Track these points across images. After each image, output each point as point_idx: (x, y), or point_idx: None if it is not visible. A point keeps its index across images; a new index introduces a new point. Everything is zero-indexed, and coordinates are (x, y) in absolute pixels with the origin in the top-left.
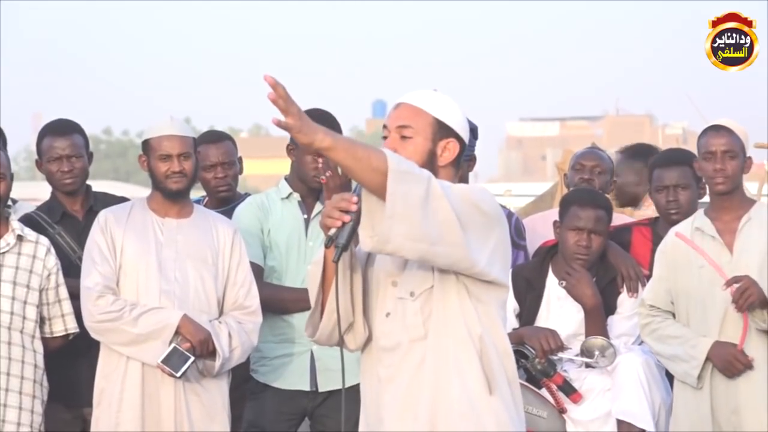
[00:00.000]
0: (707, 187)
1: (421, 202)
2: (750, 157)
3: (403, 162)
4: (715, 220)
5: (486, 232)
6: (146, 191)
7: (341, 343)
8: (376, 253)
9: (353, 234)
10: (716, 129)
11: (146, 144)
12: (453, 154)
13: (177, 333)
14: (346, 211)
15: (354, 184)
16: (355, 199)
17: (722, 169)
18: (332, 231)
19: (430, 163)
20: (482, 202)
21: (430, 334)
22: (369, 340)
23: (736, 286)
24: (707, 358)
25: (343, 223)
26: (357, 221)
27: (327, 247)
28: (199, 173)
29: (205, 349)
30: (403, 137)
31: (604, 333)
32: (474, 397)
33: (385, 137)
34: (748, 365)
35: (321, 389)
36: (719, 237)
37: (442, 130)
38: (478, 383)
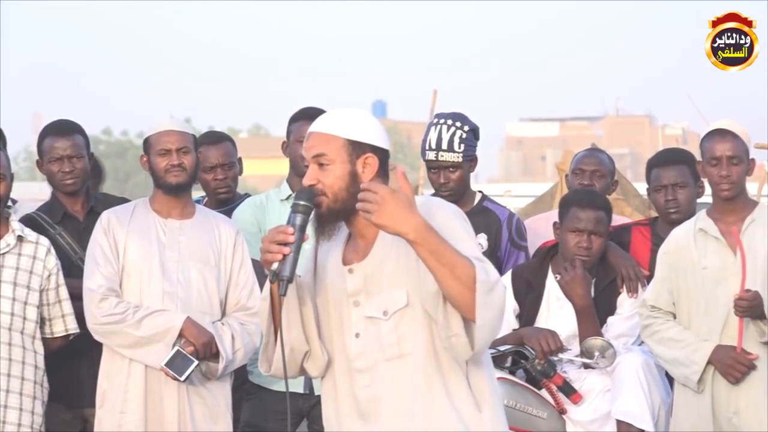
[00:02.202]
0: (711, 191)
1: (501, 306)
2: (753, 159)
3: (489, 270)
4: (718, 221)
5: None
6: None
7: (286, 377)
8: (461, 357)
9: (296, 264)
10: (721, 134)
11: (146, 142)
12: (374, 167)
13: (180, 336)
14: (285, 243)
15: (288, 214)
16: (291, 230)
17: (728, 176)
18: (274, 265)
19: (353, 183)
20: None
21: (408, 352)
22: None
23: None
24: (709, 363)
25: (284, 256)
26: (297, 251)
27: (272, 282)
28: (198, 174)
29: (208, 351)
30: (321, 165)
31: (597, 333)
32: (466, 418)
33: (306, 166)
34: (750, 366)
35: (317, 392)
36: (723, 238)
37: (357, 149)
38: (468, 403)
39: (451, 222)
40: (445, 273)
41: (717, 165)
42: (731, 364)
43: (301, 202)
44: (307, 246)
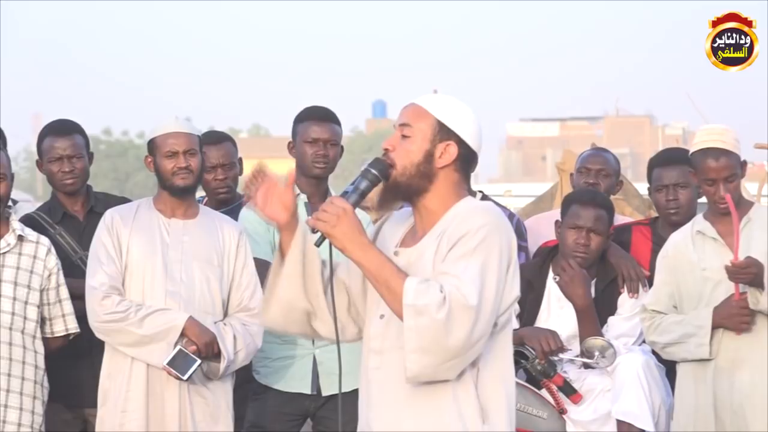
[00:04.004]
0: (708, 202)
1: (441, 330)
2: (745, 162)
3: (421, 293)
4: (715, 222)
5: (507, 284)
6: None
7: (338, 341)
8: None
9: None
10: (714, 155)
11: (152, 143)
12: (451, 157)
13: (182, 335)
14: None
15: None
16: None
17: (725, 195)
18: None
19: (426, 163)
20: (513, 262)
21: None
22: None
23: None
24: (715, 328)
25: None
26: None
27: (318, 245)
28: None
29: (210, 351)
30: (404, 136)
31: (598, 333)
32: (468, 423)
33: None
34: (749, 305)
35: (323, 393)
36: (720, 239)
37: (443, 133)
38: (474, 410)
39: (470, 236)
40: (383, 293)
41: (713, 185)
42: (735, 312)
43: (373, 171)
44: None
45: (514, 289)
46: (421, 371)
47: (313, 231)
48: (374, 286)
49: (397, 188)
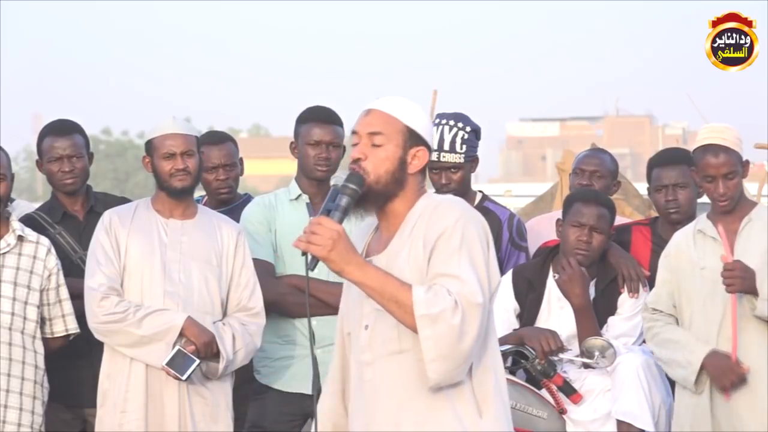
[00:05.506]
0: (710, 200)
1: (457, 335)
2: (747, 161)
3: (431, 301)
4: (716, 222)
5: (490, 270)
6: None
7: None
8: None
9: None
10: (713, 152)
11: (149, 144)
12: (422, 162)
13: (181, 335)
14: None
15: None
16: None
17: (725, 192)
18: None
19: (400, 170)
20: (491, 253)
21: (408, 349)
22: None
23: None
24: (703, 368)
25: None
26: None
27: (313, 269)
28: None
29: (209, 351)
30: (374, 144)
31: (595, 332)
32: (465, 419)
33: (355, 144)
34: (741, 377)
35: None
36: (720, 238)
37: (413, 138)
38: (469, 405)
39: (450, 233)
40: (392, 308)
41: (713, 182)
42: (723, 372)
43: (351, 185)
44: None
45: (496, 274)
46: (442, 377)
47: (304, 254)
48: (379, 303)
49: (372, 197)
